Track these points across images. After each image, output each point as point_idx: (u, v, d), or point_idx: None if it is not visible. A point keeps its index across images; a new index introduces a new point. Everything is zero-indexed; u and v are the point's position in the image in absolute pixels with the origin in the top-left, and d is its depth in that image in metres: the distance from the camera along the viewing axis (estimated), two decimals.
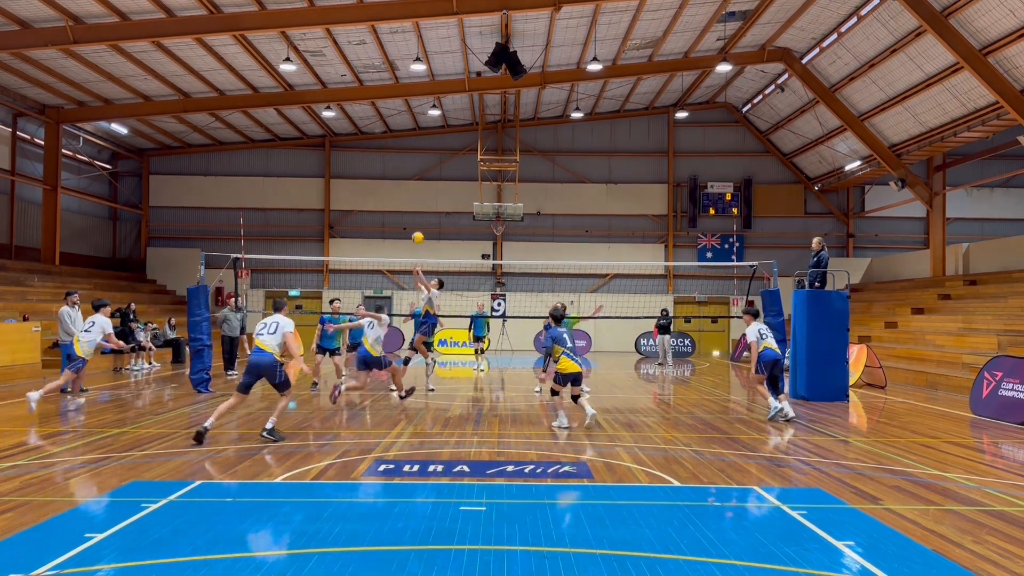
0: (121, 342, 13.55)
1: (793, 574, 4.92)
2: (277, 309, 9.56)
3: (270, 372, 9.09)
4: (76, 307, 14.86)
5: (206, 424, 9.03)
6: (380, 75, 24.88)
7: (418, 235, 15.55)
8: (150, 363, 19.97)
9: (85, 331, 12.31)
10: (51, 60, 21.37)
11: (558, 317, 10.71)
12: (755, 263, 18.20)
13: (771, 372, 11.41)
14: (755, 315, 11.91)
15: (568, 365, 10.32)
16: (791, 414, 11.39)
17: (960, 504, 6.70)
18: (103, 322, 12.41)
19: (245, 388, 9.13)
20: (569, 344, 10.46)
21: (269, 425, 9.26)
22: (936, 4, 18.83)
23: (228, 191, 31.70)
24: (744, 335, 13.90)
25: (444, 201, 31.75)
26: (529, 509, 6.29)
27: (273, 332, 9.16)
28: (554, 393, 10.66)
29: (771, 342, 11.54)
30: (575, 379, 10.36)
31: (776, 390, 11.54)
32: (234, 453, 8.54)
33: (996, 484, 7.51)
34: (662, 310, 24.90)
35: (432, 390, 14.93)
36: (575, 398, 10.53)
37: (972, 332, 18.72)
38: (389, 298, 31.28)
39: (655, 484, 7.39)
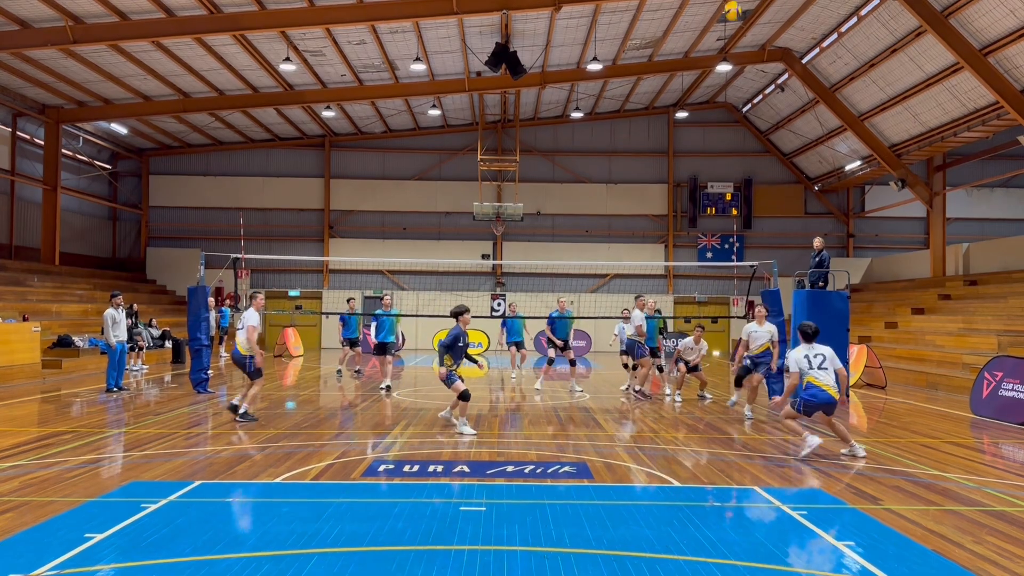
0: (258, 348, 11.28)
1: (793, 574, 4.92)
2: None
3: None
4: (120, 308, 14.60)
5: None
6: (380, 75, 24.86)
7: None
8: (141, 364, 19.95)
9: (240, 330, 11.01)
10: (51, 60, 21.35)
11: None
12: (755, 263, 18.17)
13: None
14: (812, 335, 8.80)
15: None
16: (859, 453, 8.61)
17: (960, 504, 6.70)
18: (249, 315, 10.99)
19: None
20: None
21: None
22: (936, 4, 18.82)
23: (228, 191, 31.68)
24: (742, 336, 13.45)
25: (444, 201, 31.73)
26: (529, 509, 6.29)
27: None
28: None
29: (821, 377, 8.35)
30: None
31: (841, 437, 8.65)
32: (234, 453, 8.54)
33: (996, 484, 7.51)
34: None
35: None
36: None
37: (972, 332, 18.70)
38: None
39: (655, 484, 7.39)
